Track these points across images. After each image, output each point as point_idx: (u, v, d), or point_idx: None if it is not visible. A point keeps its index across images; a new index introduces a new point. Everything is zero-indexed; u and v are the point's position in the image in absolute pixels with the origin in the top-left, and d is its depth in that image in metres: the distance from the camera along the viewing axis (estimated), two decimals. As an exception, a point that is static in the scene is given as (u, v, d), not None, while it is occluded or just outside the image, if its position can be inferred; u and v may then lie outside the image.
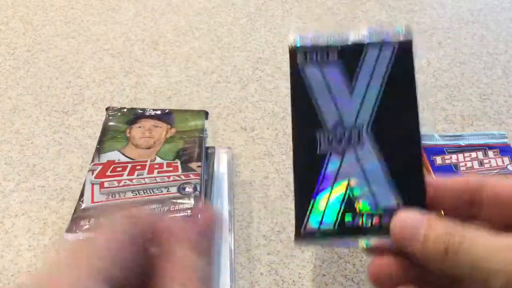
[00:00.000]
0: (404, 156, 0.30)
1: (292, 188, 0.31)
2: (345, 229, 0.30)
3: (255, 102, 0.64)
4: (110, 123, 0.49)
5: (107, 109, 0.51)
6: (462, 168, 0.52)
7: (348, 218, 0.30)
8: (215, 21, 0.81)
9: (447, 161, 0.53)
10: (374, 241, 0.30)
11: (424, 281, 0.30)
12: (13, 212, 0.50)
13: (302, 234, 0.30)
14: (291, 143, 0.31)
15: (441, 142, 0.55)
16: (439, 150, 0.54)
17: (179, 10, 0.83)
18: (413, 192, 0.30)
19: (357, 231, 0.30)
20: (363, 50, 0.31)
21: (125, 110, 0.51)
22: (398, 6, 0.85)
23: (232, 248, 0.46)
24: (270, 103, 0.64)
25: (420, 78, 0.68)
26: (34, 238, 0.48)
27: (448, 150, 0.54)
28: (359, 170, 0.30)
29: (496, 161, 0.52)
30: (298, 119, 0.31)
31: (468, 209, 0.30)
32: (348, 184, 0.30)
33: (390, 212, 0.29)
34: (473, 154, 0.53)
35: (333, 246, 0.30)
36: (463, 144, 0.55)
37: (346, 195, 0.30)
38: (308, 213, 0.30)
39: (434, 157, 0.53)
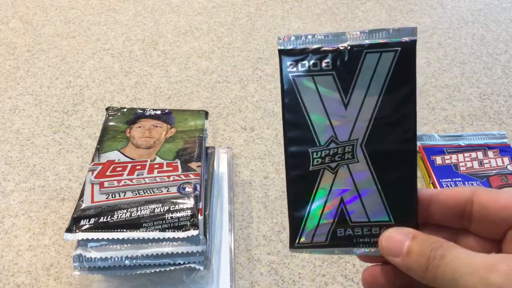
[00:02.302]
0: (398, 173, 0.29)
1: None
2: (336, 242, 0.31)
3: (255, 102, 0.64)
4: (110, 123, 0.49)
5: (107, 109, 0.51)
6: (462, 168, 0.52)
7: (340, 231, 0.30)
8: (215, 21, 0.81)
9: (447, 161, 0.53)
10: (364, 251, 0.30)
11: None
12: (13, 212, 0.50)
13: (296, 246, 0.31)
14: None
15: (441, 142, 0.55)
16: (439, 150, 0.54)
17: (179, 10, 0.83)
18: (404, 210, 0.30)
19: (349, 242, 0.30)
20: (361, 54, 0.28)
21: (125, 110, 0.51)
22: (398, 6, 0.85)
23: (232, 248, 0.46)
24: (270, 103, 0.64)
25: (420, 78, 0.68)
26: (34, 238, 0.48)
27: (448, 150, 0.54)
28: (352, 185, 0.30)
29: (496, 161, 0.52)
30: (290, 134, 0.29)
31: (460, 221, 0.30)
32: (341, 199, 0.30)
33: (380, 226, 0.30)
34: (473, 154, 0.53)
35: (326, 254, 0.31)
36: (463, 144, 0.55)
37: (339, 210, 0.30)
38: (301, 227, 0.31)
39: (434, 157, 0.53)
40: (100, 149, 0.46)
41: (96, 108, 0.63)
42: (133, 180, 0.43)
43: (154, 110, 0.51)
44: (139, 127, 0.49)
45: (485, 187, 0.29)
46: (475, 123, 0.62)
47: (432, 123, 0.61)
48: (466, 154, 0.53)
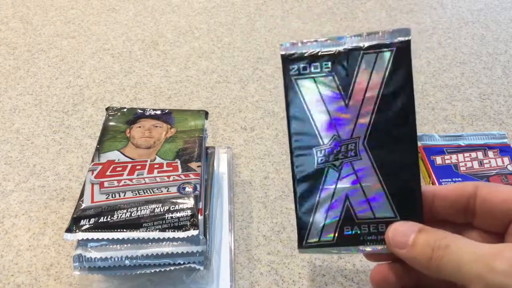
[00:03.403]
0: (400, 170, 0.30)
1: (292, 188, 0.32)
2: (344, 240, 0.31)
3: (255, 102, 0.64)
4: (110, 123, 0.49)
5: (107, 109, 0.51)
6: (462, 168, 0.52)
7: (347, 229, 0.31)
8: (215, 21, 0.81)
9: (447, 161, 0.53)
10: (372, 249, 0.31)
11: (422, 287, 0.31)
12: (13, 212, 0.50)
13: (304, 245, 0.32)
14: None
15: (441, 142, 0.55)
16: (439, 150, 0.54)
17: (179, 10, 0.83)
18: (409, 206, 0.30)
19: (356, 241, 0.31)
20: (359, 55, 0.29)
21: (125, 110, 0.51)
22: (398, 6, 0.85)
23: (232, 248, 0.46)
24: (270, 103, 0.64)
25: (420, 78, 0.68)
26: (34, 238, 0.48)
27: (448, 150, 0.54)
28: (357, 183, 0.30)
29: (496, 161, 0.52)
30: (295, 134, 0.31)
31: (464, 216, 0.30)
32: (347, 196, 0.31)
33: (386, 223, 0.30)
34: (473, 154, 0.53)
35: (334, 253, 0.31)
36: (463, 144, 0.55)
37: (345, 207, 0.31)
38: (309, 226, 0.31)
39: (434, 157, 0.53)
40: (100, 149, 0.46)
41: (96, 108, 0.63)
42: (133, 180, 0.43)
43: (154, 110, 0.51)
44: (139, 127, 0.49)
45: (487, 182, 0.29)
46: (475, 123, 0.62)
47: (432, 123, 0.61)
48: (466, 154, 0.53)
